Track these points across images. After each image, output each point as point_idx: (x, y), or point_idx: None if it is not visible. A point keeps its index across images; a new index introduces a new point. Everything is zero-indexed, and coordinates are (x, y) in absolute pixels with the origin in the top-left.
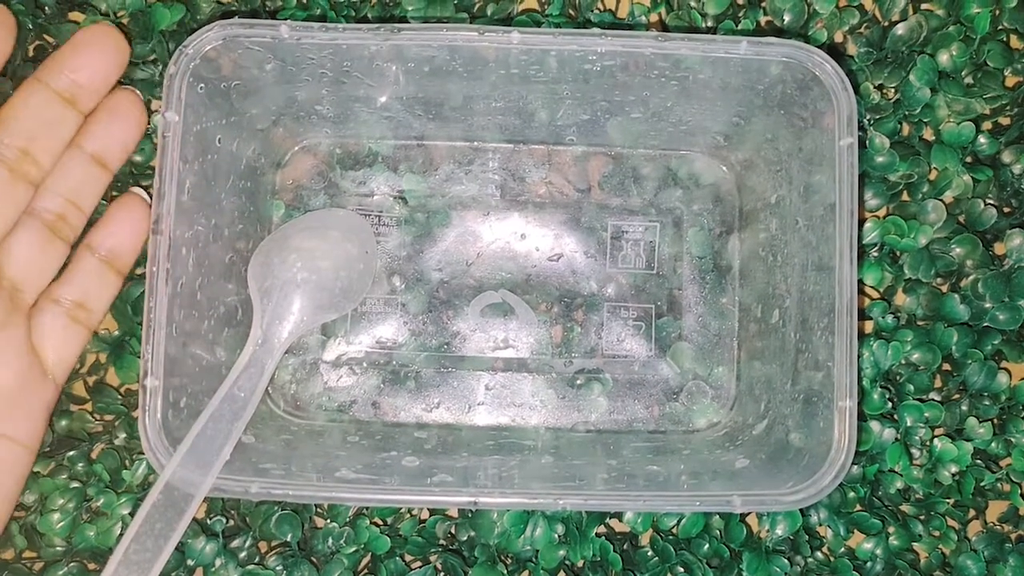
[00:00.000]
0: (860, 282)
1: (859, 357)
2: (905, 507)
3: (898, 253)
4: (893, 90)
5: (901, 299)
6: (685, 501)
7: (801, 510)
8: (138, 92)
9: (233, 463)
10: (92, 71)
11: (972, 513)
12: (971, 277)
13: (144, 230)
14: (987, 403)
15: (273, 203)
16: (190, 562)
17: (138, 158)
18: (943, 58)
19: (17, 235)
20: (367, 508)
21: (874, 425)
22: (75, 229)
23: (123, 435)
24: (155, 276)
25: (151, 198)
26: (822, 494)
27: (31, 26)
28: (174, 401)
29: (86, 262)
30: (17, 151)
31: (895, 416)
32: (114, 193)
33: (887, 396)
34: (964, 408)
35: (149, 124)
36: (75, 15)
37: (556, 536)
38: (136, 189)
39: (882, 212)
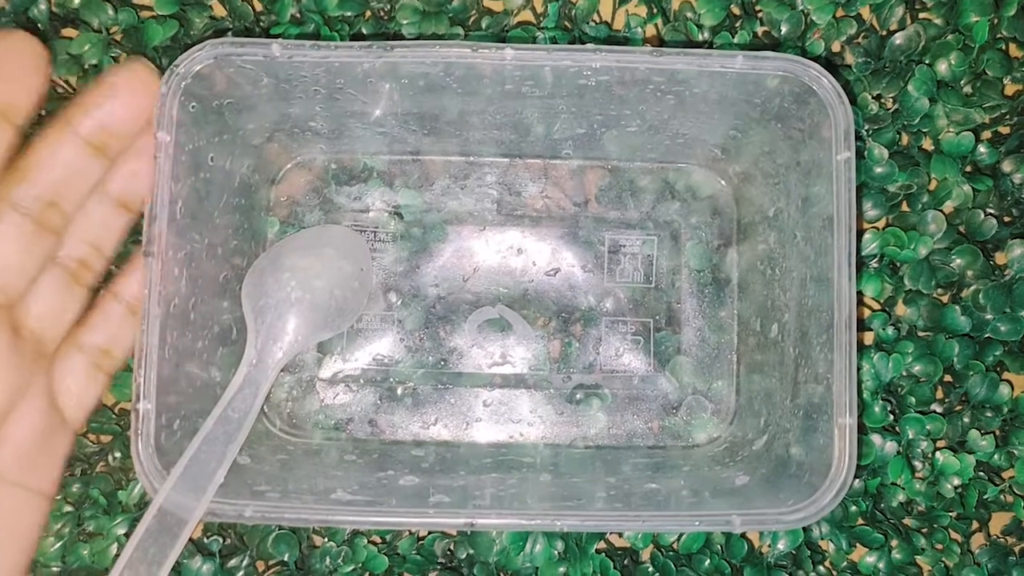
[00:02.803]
0: (860, 294)
1: (860, 369)
2: (908, 520)
3: (898, 264)
4: (891, 100)
5: (902, 310)
6: (685, 521)
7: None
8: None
9: (228, 485)
10: (123, 115)
11: (975, 526)
12: (972, 288)
13: (186, 304)
14: (989, 415)
15: (268, 219)
16: None
17: None
18: (942, 67)
19: (40, 285)
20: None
21: (875, 438)
22: (96, 274)
23: (118, 454)
24: (148, 298)
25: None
26: (823, 512)
27: None
28: (168, 422)
29: (110, 308)
30: (44, 204)
31: (897, 429)
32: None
33: (888, 408)
34: (966, 420)
35: None
36: (68, 31)
37: (556, 553)
38: None
39: (881, 223)
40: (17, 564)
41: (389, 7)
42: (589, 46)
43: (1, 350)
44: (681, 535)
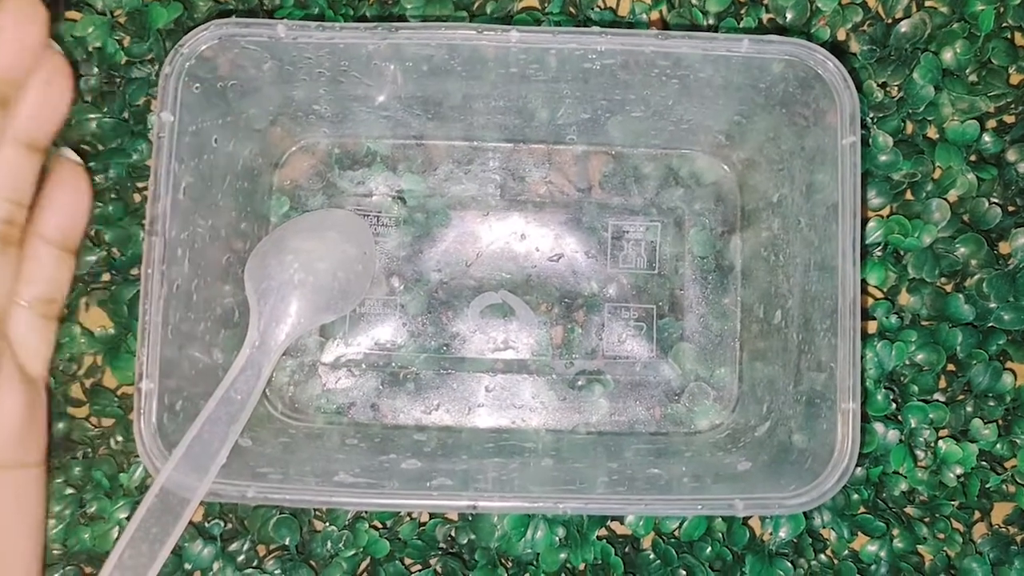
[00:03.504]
0: (864, 282)
1: (863, 358)
2: (909, 509)
3: (902, 252)
4: (897, 88)
5: (905, 299)
6: (687, 504)
7: (804, 513)
8: (58, 49)
9: (230, 466)
10: (14, 57)
11: (977, 515)
12: (976, 277)
13: (87, 198)
14: (992, 404)
15: (270, 203)
16: (188, 566)
17: (134, 157)
18: (947, 56)
19: None
20: (366, 511)
21: (878, 427)
22: (22, 226)
23: (120, 438)
24: (150, 278)
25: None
26: (825, 497)
27: None
28: (170, 404)
29: (41, 253)
30: None
31: (899, 417)
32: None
33: (891, 397)
34: (969, 409)
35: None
36: (72, 14)
37: (557, 539)
38: (66, 153)
39: (886, 211)
40: (32, 537)
41: None
42: (595, 29)
43: None
44: (682, 523)
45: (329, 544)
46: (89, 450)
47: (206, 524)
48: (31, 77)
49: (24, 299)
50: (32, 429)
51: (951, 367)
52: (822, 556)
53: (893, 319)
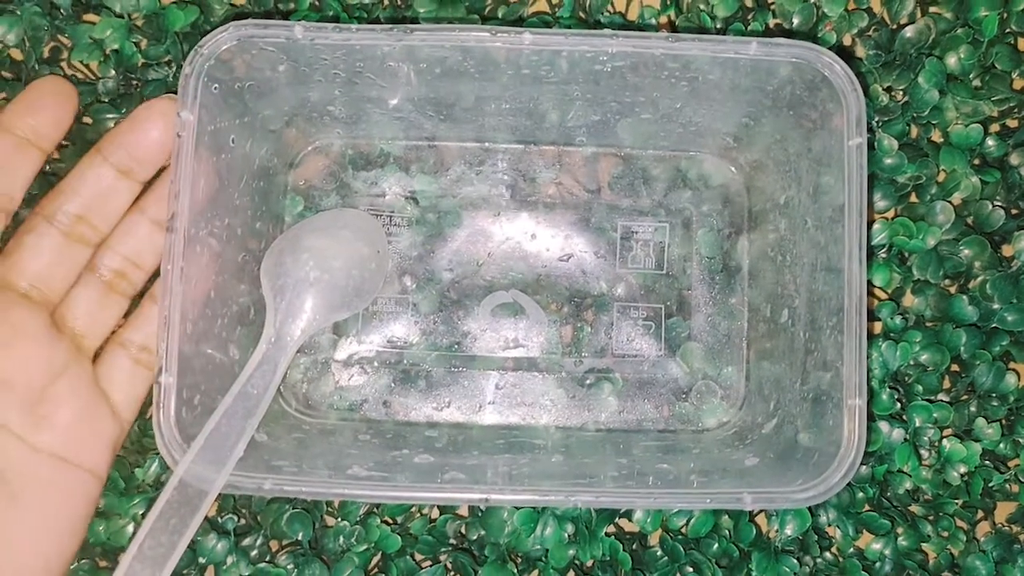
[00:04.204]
0: (869, 283)
1: (868, 358)
2: (914, 508)
3: (907, 254)
4: (901, 92)
5: (910, 300)
6: (695, 498)
7: (810, 510)
8: None
9: (246, 461)
10: (149, 145)
11: (981, 514)
12: (979, 278)
13: (207, 283)
14: (996, 404)
15: (285, 203)
16: (202, 560)
17: None
18: (951, 61)
19: (78, 291)
20: (378, 507)
21: (883, 426)
22: (135, 285)
23: (134, 435)
24: (170, 274)
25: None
26: (831, 492)
27: (47, 27)
28: (188, 399)
29: (150, 310)
30: (73, 217)
31: (904, 417)
32: None
33: (896, 397)
34: (973, 409)
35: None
36: (90, 16)
37: (566, 535)
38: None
39: (891, 214)
40: (65, 541)
41: None
42: (606, 31)
43: (38, 334)
44: (690, 519)
45: (341, 539)
46: None
47: (220, 519)
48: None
49: (123, 342)
50: (91, 438)
51: (955, 367)
52: (827, 553)
53: (898, 320)
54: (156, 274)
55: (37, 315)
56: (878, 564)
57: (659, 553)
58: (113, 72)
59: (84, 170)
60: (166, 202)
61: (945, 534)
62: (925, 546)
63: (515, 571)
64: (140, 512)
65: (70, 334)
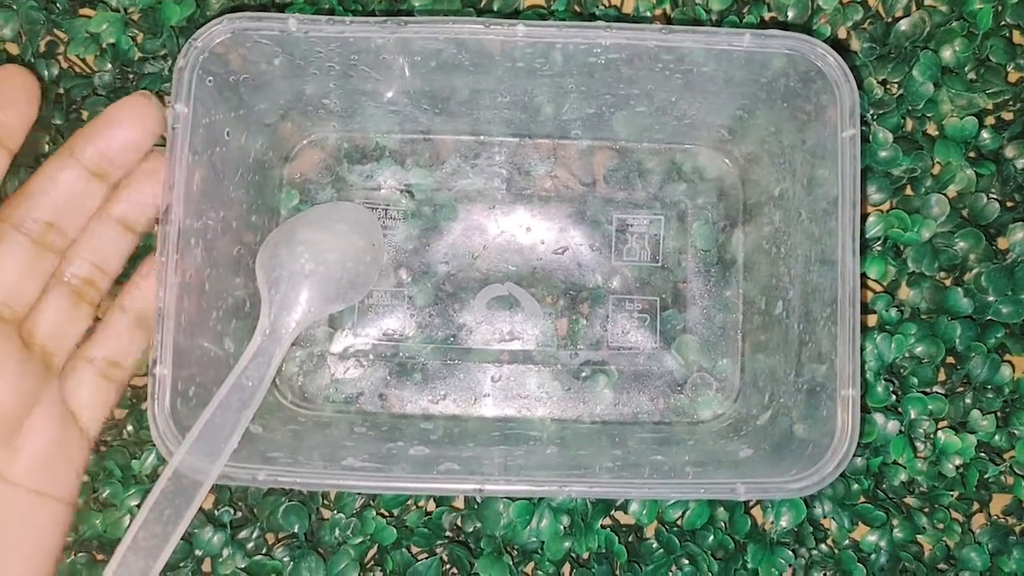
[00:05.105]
0: (864, 276)
1: (863, 350)
2: (909, 499)
3: (902, 247)
4: (896, 85)
5: (905, 293)
6: (690, 489)
7: (805, 502)
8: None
9: (241, 452)
10: (123, 145)
11: (976, 506)
12: (974, 271)
13: (202, 276)
14: (991, 396)
15: (281, 196)
16: (198, 552)
17: None
18: (946, 53)
19: (46, 301)
20: (373, 499)
21: (878, 418)
22: (101, 291)
23: (132, 428)
24: (164, 267)
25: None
26: (825, 482)
27: (43, 20)
28: (183, 391)
29: (117, 321)
30: (43, 224)
31: (899, 409)
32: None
33: (891, 389)
34: (968, 401)
35: None
36: (86, 11)
37: (562, 528)
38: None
39: (886, 206)
40: (40, 572)
41: None
42: (600, 23)
43: (12, 362)
44: (685, 511)
45: (337, 531)
46: (102, 441)
47: (216, 511)
48: (137, 166)
49: (91, 357)
50: (62, 466)
51: (950, 359)
52: (823, 545)
53: (893, 312)
54: (119, 281)
55: (9, 338)
56: (873, 556)
57: (655, 545)
58: (109, 66)
59: (54, 172)
60: (133, 203)
61: (940, 526)
62: (920, 538)
63: (511, 563)
64: (136, 503)
65: (39, 352)
